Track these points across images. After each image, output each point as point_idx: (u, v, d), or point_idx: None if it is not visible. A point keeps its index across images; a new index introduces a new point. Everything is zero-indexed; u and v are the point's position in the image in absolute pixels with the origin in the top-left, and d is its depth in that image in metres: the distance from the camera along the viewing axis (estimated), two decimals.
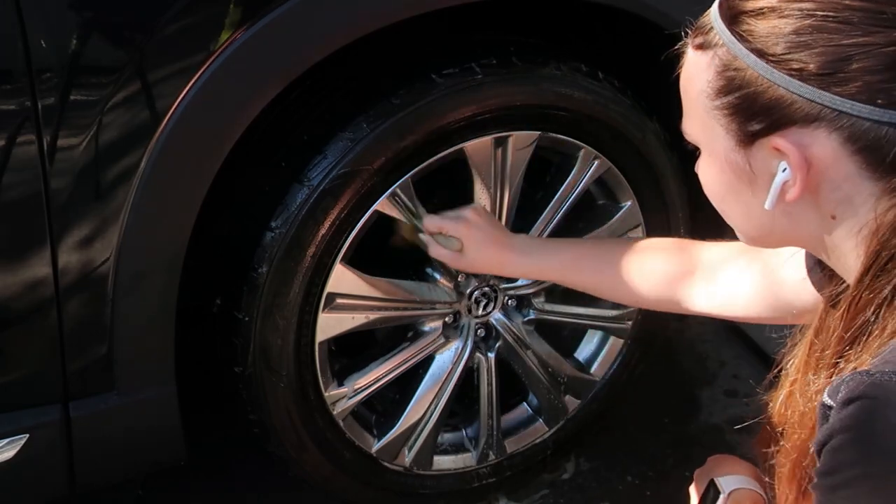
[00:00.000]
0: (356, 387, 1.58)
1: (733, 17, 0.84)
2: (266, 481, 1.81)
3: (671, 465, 1.89)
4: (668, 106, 1.68)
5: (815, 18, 0.79)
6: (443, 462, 1.75)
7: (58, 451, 1.35)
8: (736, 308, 1.27)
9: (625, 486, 1.87)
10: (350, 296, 1.50)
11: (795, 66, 0.80)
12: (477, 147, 1.48)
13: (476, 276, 1.62)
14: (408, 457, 1.68)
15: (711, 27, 0.86)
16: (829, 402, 0.77)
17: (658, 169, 1.66)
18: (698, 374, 2.11)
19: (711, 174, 0.92)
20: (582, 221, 1.69)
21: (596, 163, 1.60)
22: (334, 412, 1.57)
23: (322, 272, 1.44)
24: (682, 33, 0.92)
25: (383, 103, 1.41)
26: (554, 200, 1.61)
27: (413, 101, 1.41)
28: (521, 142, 1.52)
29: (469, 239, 1.44)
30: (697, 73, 0.88)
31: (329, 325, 1.50)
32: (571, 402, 1.81)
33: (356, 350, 1.65)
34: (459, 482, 1.77)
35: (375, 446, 1.64)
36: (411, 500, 1.77)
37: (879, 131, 0.79)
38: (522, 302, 1.71)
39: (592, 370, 1.82)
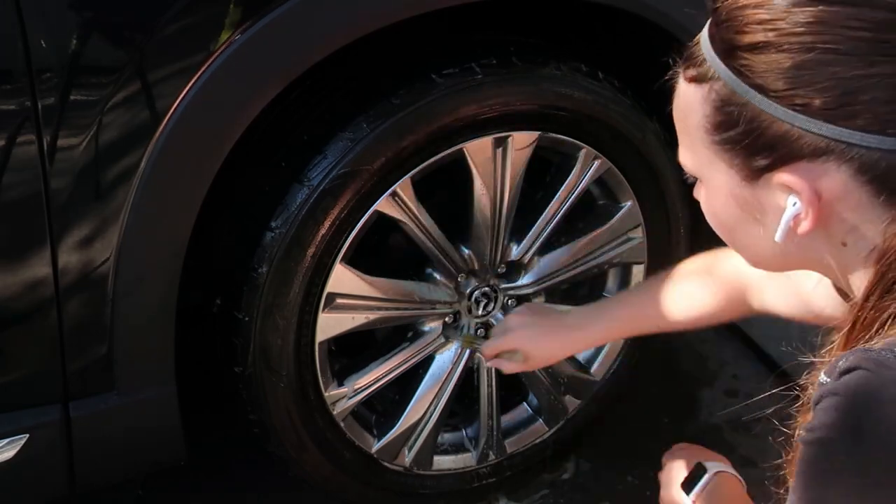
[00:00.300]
0: (356, 387, 1.58)
1: (728, 52, 0.81)
2: (266, 481, 1.81)
3: None
4: (668, 106, 1.68)
5: (815, 52, 0.76)
6: (443, 462, 1.75)
7: (58, 451, 1.35)
8: (779, 312, 1.25)
9: (625, 486, 1.86)
10: (350, 296, 1.50)
11: (800, 102, 0.77)
12: (477, 147, 1.48)
13: (476, 275, 1.62)
14: (408, 457, 1.68)
15: (704, 59, 0.83)
16: (825, 379, 0.77)
17: (658, 169, 1.66)
18: (698, 374, 2.11)
19: (716, 207, 0.89)
20: (582, 221, 1.69)
21: (596, 163, 1.60)
22: (334, 412, 1.57)
23: (322, 272, 1.44)
24: (671, 61, 0.89)
25: (383, 103, 1.41)
26: (554, 200, 1.61)
27: (413, 101, 1.41)
28: (521, 142, 1.52)
29: (526, 345, 1.45)
30: (693, 107, 0.85)
31: (329, 325, 1.50)
32: (571, 403, 1.81)
33: (356, 350, 1.65)
34: (459, 482, 1.77)
35: (375, 446, 1.64)
36: (411, 500, 1.77)
37: (891, 160, 0.77)
38: (523, 302, 1.71)
39: (592, 370, 1.82)
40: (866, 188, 0.79)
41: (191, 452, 1.48)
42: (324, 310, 1.48)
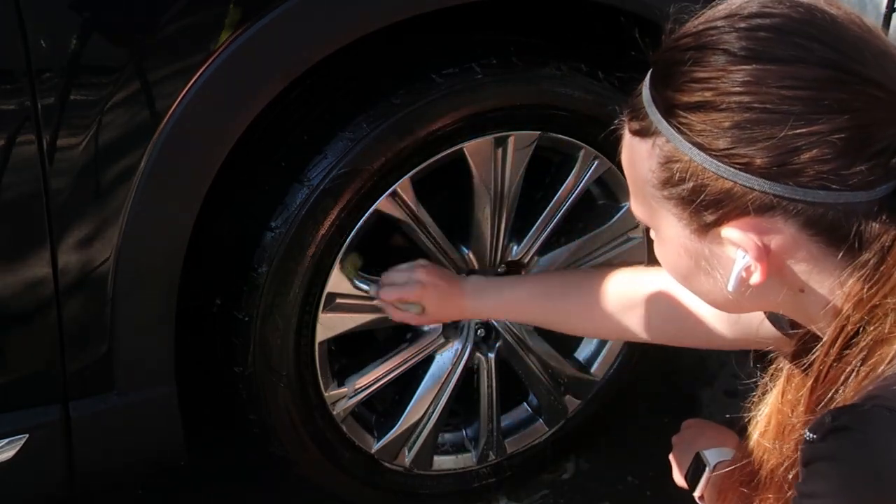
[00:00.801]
0: (356, 387, 1.58)
1: (668, 109, 0.80)
2: (266, 481, 1.81)
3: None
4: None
5: (754, 112, 0.76)
6: (443, 462, 1.75)
7: (58, 452, 1.34)
8: (698, 334, 1.23)
9: (625, 486, 1.86)
10: (350, 296, 1.49)
11: (741, 161, 0.77)
12: (477, 147, 1.48)
13: (476, 275, 1.62)
14: (408, 457, 1.68)
15: (647, 113, 0.83)
16: (810, 436, 0.76)
17: None
18: (698, 374, 2.11)
19: (669, 258, 0.89)
20: (582, 221, 1.69)
21: (596, 163, 1.60)
22: (334, 412, 1.57)
23: (322, 272, 1.44)
24: (618, 110, 0.89)
25: (383, 103, 1.41)
26: (554, 200, 1.61)
27: (413, 101, 1.41)
28: (521, 142, 1.52)
29: (427, 299, 1.45)
30: (640, 161, 0.84)
31: (329, 325, 1.50)
32: (571, 403, 1.81)
33: (356, 350, 1.65)
34: (459, 482, 1.77)
35: (375, 446, 1.64)
36: (411, 500, 1.77)
37: (836, 213, 0.77)
38: None
39: (593, 370, 1.82)
40: (815, 240, 0.79)
41: (191, 452, 1.48)
42: (324, 310, 1.48)
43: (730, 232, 0.80)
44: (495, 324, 1.69)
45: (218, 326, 1.51)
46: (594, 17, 1.55)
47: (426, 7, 1.34)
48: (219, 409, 1.66)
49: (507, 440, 1.77)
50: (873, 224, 0.77)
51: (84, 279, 1.24)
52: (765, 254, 0.80)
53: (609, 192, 1.68)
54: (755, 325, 1.09)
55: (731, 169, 0.77)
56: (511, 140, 1.51)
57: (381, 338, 1.68)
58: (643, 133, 0.83)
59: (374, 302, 1.49)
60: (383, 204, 1.45)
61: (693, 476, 1.22)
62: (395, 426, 1.64)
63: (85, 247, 1.22)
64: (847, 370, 0.79)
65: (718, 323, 1.21)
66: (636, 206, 0.89)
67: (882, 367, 0.77)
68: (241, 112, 1.25)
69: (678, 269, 0.89)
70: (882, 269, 0.77)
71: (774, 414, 0.92)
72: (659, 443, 1.94)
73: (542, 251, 1.66)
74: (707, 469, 1.20)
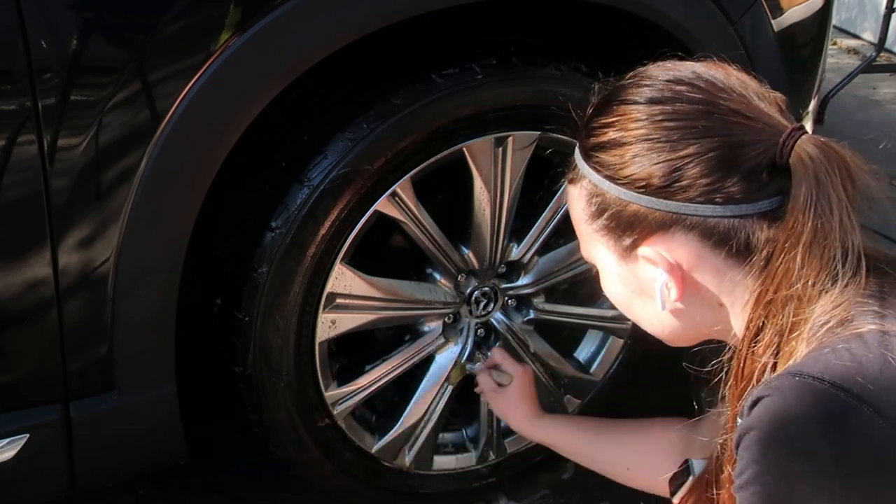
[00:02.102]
0: (356, 387, 1.58)
1: (587, 152, 0.99)
2: (266, 481, 1.81)
3: None
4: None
5: (646, 141, 0.93)
6: (443, 462, 1.75)
7: (58, 451, 1.35)
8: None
9: (625, 485, 1.86)
10: (350, 296, 1.50)
11: (641, 184, 0.93)
12: (477, 147, 1.48)
13: (476, 275, 1.62)
14: (408, 457, 1.68)
15: (576, 164, 1.01)
16: (739, 420, 0.86)
17: None
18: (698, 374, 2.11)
19: (610, 288, 1.04)
20: None
21: None
22: (334, 412, 1.57)
23: (322, 272, 1.44)
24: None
25: (383, 103, 1.41)
26: (554, 200, 1.61)
27: (413, 101, 1.41)
28: (521, 142, 1.52)
29: (518, 380, 1.55)
30: (574, 203, 1.02)
31: (329, 325, 1.50)
32: (571, 403, 1.81)
33: (356, 350, 1.65)
34: (459, 482, 1.77)
35: (376, 446, 1.65)
36: (411, 500, 1.77)
37: (726, 224, 0.91)
38: (522, 302, 1.71)
39: (592, 370, 1.82)
40: (715, 251, 0.93)
41: (191, 452, 1.48)
42: (324, 310, 1.48)
43: (643, 251, 0.95)
44: (495, 324, 1.69)
45: (218, 326, 1.51)
46: (593, 17, 1.55)
47: (426, 7, 1.34)
48: (219, 409, 1.66)
49: (507, 440, 1.77)
50: (759, 234, 0.91)
51: (84, 279, 1.24)
52: (677, 268, 0.94)
53: None
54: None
55: (635, 193, 0.94)
56: (511, 140, 1.51)
57: (381, 338, 1.69)
58: (574, 180, 1.02)
59: (469, 366, 1.63)
60: (383, 204, 1.45)
61: (678, 482, 1.23)
62: (395, 426, 1.64)
63: (85, 247, 1.22)
64: (761, 364, 0.89)
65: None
66: (582, 248, 1.05)
67: (795, 359, 0.86)
68: (241, 112, 1.25)
69: (618, 298, 1.04)
70: (768, 268, 0.90)
71: (725, 415, 1.00)
72: None
73: (542, 251, 1.66)
74: (690, 478, 1.20)
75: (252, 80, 1.24)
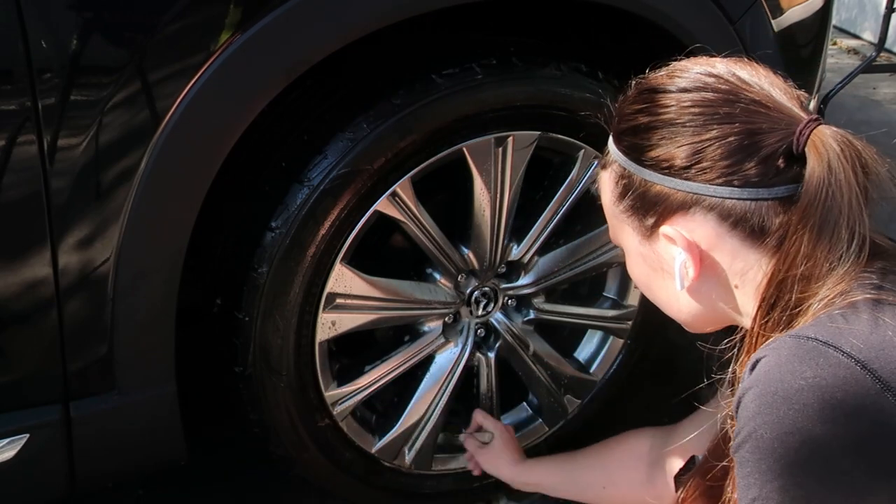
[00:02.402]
0: (356, 387, 1.58)
1: (618, 137, 1.05)
2: (266, 481, 1.81)
3: None
4: None
5: (672, 126, 0.98)
6: (443, 462, 1.75)
7: (58, 451, 1.35)
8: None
9: None
10: (350, 296, 1.50)
11: (664, 166, 0.99)
12: (477, 147, 1.48)
13: (476, 275, 1.62)
14: (408, 457, 1.68)
15: (609, 150, 1.07)
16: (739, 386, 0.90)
17: None
18: (698, 375, 2.11)
19: (633, 269, 1.10)
20: (582, 222, 1.69)
21: (596, 163, 1.60)
22: (334, 412, 1.57)
23: (322, 272, 1.44)
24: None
25: (383, 103, 1.41)
26: (554, 201, 1.61)
27: (413, 101, 1.41)
28: (521, 142, 1.52)
29: (499, 437, 1.66)
30: (604, 187, 1.08)
31: (329, 325, 1.50)
32: (571, 402, 1.81)
33: (356, 350, 1.65)
34: (460, 482, 1.77)
35: (376, 446, 1.64)
36: (412, 500, 1.77)
37: (743, 206, 0.96)
38: (522, 302, 1.71)
39: (592, 370, 1.82)
40: (733, 232, 0.97)
41: (191, 452, 1.48)
42: (324, 310, 1.48)
43: (665, 229, 1.00)
44: (495, 324, 1.69)
45: (218, 326, 1.51)
46: (594, 17, 1.55)
47: (426, 7, 1.34)
48: (219, 409, 1.66)
49: None
50: (773, 217, 0.95)
51: (84, 279, 1.24)
52: (695, 247, 0.99)
53: None
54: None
55: (658, 174, 0.99)
56: (511, 140, 1.51)
57: (381, 338, 1.69)
58: (605, 165, 1.08)
59: (461, 437, 1.72)
60: (383, 204, 1.45)
61: (682, 477, 1.24)
62: (395, 426, 1.64)
63: (85, 247, 1.22)
64: (770, 340, 0.93)
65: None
66: (610, 231, 1.11)
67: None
68: (241, 112, 1.25)
69: (642, 280, 1.09)
70: (781, 249, 0.95)
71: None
72: None
73: (542, 251, 1.66)
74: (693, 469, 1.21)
75: (252, 80, 1.24)
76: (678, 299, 1.06)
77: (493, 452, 1.66)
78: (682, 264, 1.00)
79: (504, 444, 1.66)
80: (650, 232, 1.02)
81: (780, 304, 0.94)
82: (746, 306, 1.01)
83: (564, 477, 1.57)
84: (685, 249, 0.99)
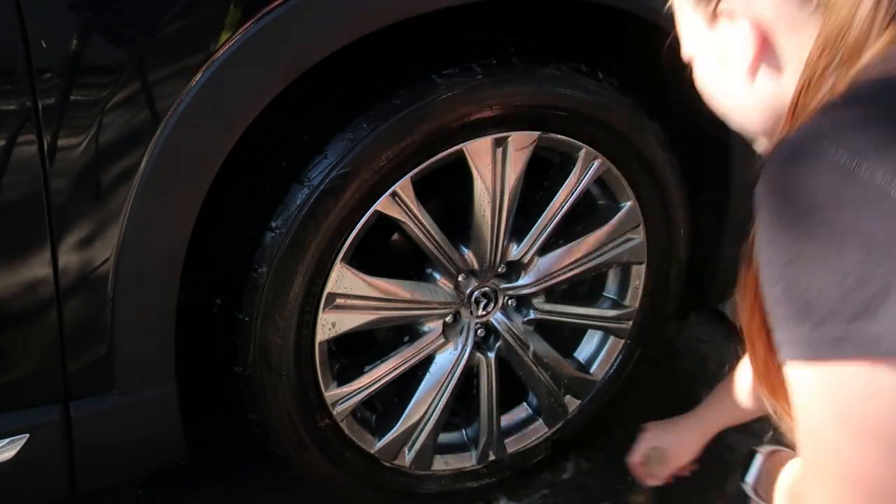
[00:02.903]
0: (356, 387, 1.58)
1: None
2: (266, 481, 1.82)
3: None
4: (667, 106, 1.68)
5: None
6: (443, 462, 1.75)
7: (58, 451, 1.35)
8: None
9: (625, 485, 1.86)
10: (350, 296, 1.50)
11: None
12: (477, 147, 1.48)
13: (476, 275, 1.62)
14: (408, 457, 1.68)
15: None
16: None
17: (658, 169, 1.66)
18: (698, 374, 2.11)
19: (703, 72, 1.03)
20: (582, 222, 1.69)
21: (596, 163, 1.60)
22: (334, 412, 1.57)
23: (322, 272, 1.44)
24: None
25: (383, 103, 1.41)
26: (554, 201, 1.61)
27: (413, 101, 1.41)
28: (521, 142, 1.52)
29: (670, 440, 1.61)
30: None
31: (329, 325, 1.50)
32: (571, 402, 1.81)
33: (356, 350, 1.65)
34: (459, 482, 1.77)
35: (376, 446, 1.65)
36: (411, 500, 1.77)
37: None
38: (522, 302, 1.71)
39: (592, 370, 1.82)
40: (792, 3, 0.92)
41: (191, 452, 1.48)
42: (324, 310, 1.48)
43: (725, 3, 0.95)
44: (495, 324, 1.69)
45: (218, 326, 1.51)
46: (593, 17, 1.55)
47: (426, 7, 1.34)
48: (219, 409, 1.66)
49: (507, 440, 1.77)
50: None
51: (84, 279, 1.24)
52: (756, 23, 0.94)
53: (609, 193, 1.68)
54: None
55: None
56: (511, 140, 1.51)
57: (381, 338, 1.69)
58: None
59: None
60: (383, 204, 1.45)
61: (745, 466, 1.25)
62: (395, 426, 1.64)
63: (85, 247, 1.22)
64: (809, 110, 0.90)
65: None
66: (683, 41, 1.04)
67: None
68: (241, 112, 1.25)
69: (710, 81, 1.03)
70: (829, 6, 0.91)
71: None
72: None
73: (542, 251, 1.66)
74: (758, 457, 1.22)
75: (252, 80, 1.24)
76: (741, 98, 1.01)
77: (666, 453, 1.62)
78: (743, 41, 0.96)
79: (676, 438, 1.62)
80: (714, 16, 0.98)
81: (821, 69, 0.90)
82: (788, 97, 0.97)
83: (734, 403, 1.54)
84: (748, 20, 0.95)
